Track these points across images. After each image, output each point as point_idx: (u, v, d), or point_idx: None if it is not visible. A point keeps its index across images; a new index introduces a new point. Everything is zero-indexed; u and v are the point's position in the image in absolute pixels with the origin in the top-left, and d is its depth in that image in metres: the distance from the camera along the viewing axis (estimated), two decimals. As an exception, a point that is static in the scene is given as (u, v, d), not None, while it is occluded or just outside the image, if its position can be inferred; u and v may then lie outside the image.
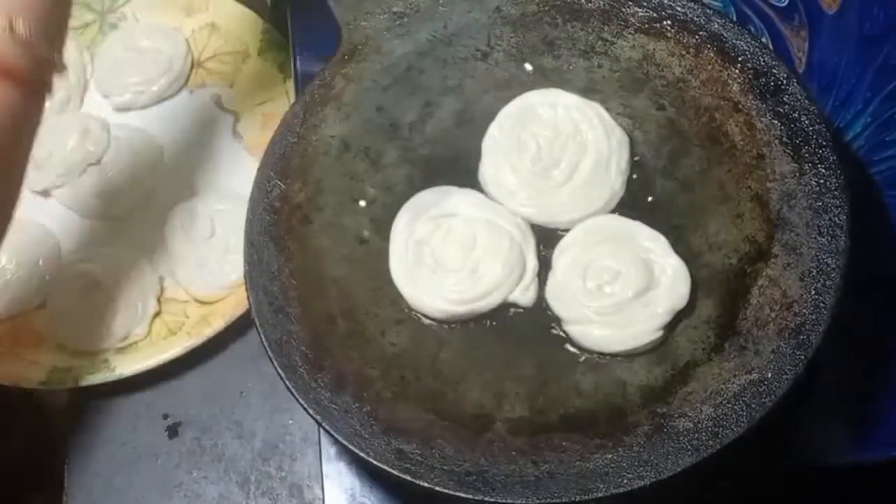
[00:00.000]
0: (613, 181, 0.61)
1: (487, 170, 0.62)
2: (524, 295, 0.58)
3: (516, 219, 0.60)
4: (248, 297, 0.58)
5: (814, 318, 0.53)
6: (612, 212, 0.61)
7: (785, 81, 0.60)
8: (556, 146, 0.61)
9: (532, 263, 0.59)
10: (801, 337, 0.53)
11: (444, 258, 0.59)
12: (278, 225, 0.61)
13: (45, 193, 0.83)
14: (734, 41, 0.62)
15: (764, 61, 0.61)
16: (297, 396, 0.54)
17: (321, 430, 0.63)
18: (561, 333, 0.57)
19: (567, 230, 0.60)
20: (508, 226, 0.59)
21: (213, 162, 0.83)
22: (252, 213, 0.61)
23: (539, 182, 0.61)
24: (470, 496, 0.51)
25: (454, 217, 0.60)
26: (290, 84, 0.82)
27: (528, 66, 0.66)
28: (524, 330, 0.58)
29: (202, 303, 0.77)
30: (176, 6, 0.89)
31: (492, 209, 0.60)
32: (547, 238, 0.60)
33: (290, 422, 0.74)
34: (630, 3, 0.65)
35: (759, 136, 0.60)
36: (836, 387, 0.62)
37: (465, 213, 0.60)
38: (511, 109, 0.63)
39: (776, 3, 0.70)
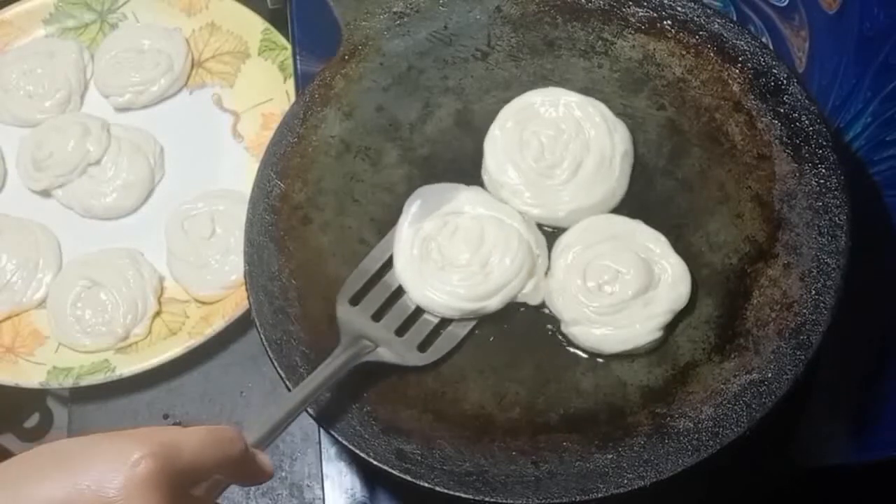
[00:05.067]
0: (617, 178, 0.60)
1: (490, 169, 0.62)
2: (534, 293, 0.58)
3: (522, 217, 0.60)
4: (248, 297, 0.58)
5: (814, 318, 0.53)
6: (613, 211, 0.61)
7: (785, 81, 0.60)
8: (558, 144, 0.61)
9: (541, 260, 0.59)
10: (802, 337, 0.53)
11: (452, 254, 0.59)
12: (278, 225, 0.61)
13: (45, 193, 0.83)
14: (734, 41, 0.62)
15: (764, 61, 0.61)
16: (297, 396, 0.54)
17: (321, 430, 0.63)
18: (561, 333, 0.57)
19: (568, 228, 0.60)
20: (516, 223, 0.59)
21: (213, 162, 0.83)
22: (252, 213, 0.61)
23: (542, 181, 0.61)
24: (470, 496, 0.51)
25: (461, 214, 0.60)
26: (290, 84, 0.82)
27: (529, 66, 0.66)
28: (524, 330, 0.58)
29: (202, 303, 0.77)
30: (176, 6, 0.89)
31: (498, 207, 0.60)
32: (549, 236, 0.60)
33: (291, 421, 0.74)
34: (630, 3, 0.65)
35: (759, 136, 0.60)
36: (836, 387, 0.62)
37: (471, 211, 0.60)
38: (512, 109, 0.63)
39: (776, 3, 0.70)
